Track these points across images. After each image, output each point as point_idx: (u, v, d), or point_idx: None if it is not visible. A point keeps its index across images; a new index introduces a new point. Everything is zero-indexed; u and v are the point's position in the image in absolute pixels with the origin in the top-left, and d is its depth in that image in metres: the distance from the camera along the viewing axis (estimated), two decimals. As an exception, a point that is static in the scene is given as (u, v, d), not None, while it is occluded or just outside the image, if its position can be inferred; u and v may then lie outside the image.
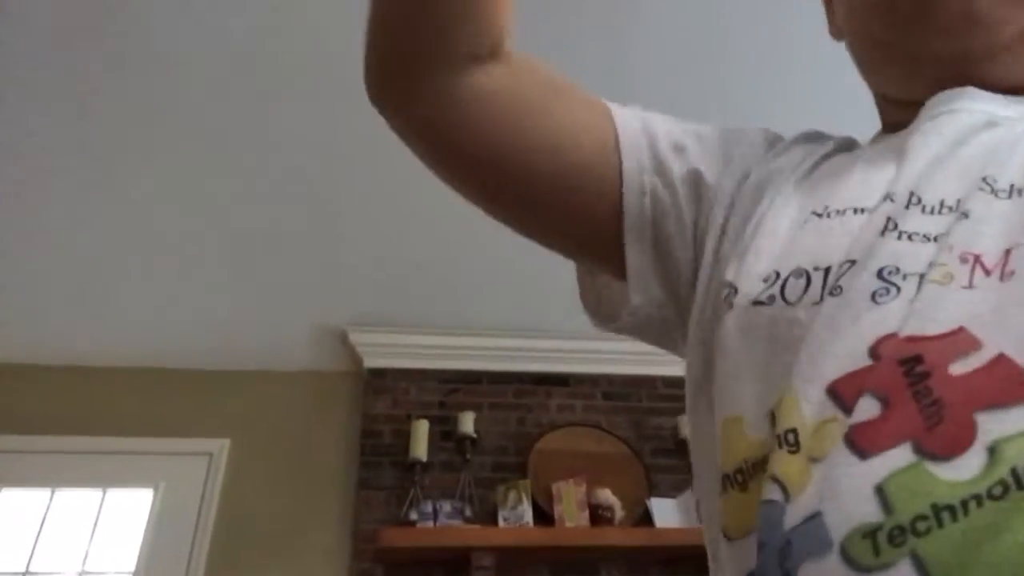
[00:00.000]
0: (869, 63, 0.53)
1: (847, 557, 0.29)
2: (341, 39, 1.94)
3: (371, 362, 3.06)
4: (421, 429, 2.83)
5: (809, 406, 0.34)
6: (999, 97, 0.45)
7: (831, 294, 0.37)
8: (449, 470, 2.85)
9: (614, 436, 2.96)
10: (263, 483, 2.93)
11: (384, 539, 2.58)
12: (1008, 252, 0.34)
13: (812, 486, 0.32)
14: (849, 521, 0.30)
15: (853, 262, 0.38)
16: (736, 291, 0.43)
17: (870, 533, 0.29)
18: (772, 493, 0.34)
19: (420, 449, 2.79)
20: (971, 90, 0.45)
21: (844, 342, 0.35)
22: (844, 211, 0.42)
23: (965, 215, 0.36)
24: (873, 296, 0.35)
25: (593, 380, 3.05)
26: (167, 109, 2.10)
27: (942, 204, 0.38)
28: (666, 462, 2.92)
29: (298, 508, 2.90)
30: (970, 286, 0.34)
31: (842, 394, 0.34)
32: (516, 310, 2.95)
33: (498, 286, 2.83)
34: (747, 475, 0.38)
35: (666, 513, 2.72)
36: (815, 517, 0.31)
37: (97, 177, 2.31)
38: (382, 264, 2.74)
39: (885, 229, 0.38)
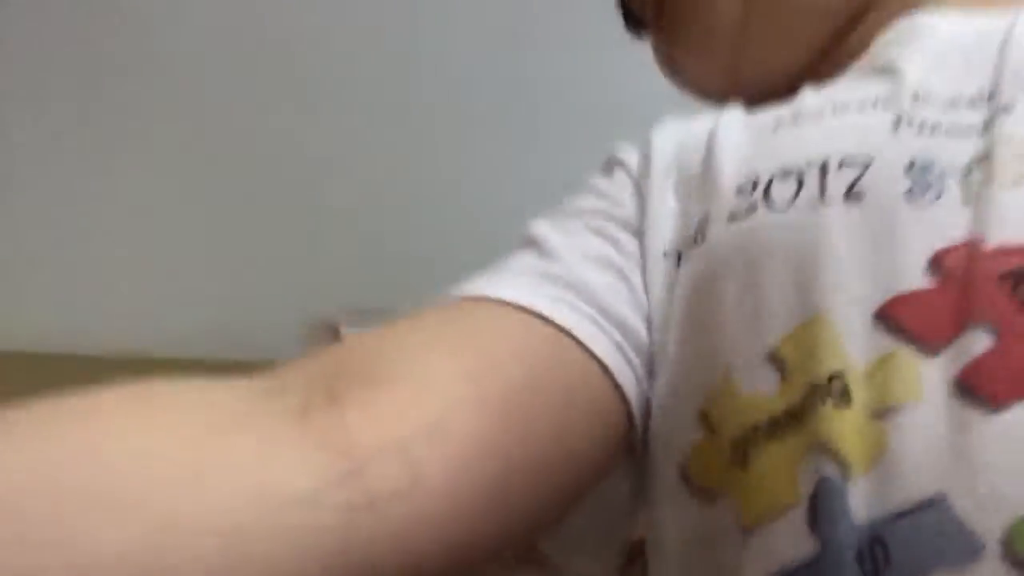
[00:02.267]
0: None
1: (1016, 559, 0.20)
2: (336, 43, 1.94)
3: (363, 357, 3.02)
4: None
5: (854, 339, 0.25)
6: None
7: (846, 199, 0.28)
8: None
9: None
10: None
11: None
12: None
13: (889, 455, 0.23)
14: (1004, 506, 0.21)
15: (869, 163, 0.28)
16: (707, 217, 0.32)
17: None
18: (820, 466, 0.24)
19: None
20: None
21: (886, 255, 0.26)
22: (822, 112, 0.33)
23: (1006, 109, 0.28)
24: (909, 197, 0.27)
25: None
26: (163, 104, 2.11)
27: (960, 95, 0.30)
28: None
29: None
30: None
31: (905, 322, 0.25)
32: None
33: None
34: (747, 445, 0.27)
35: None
36: (934, 504, 0.22)
37: (88, 168, 2.31)
38: (378, 255, 2.71)
39: (897, 126, 0.29)
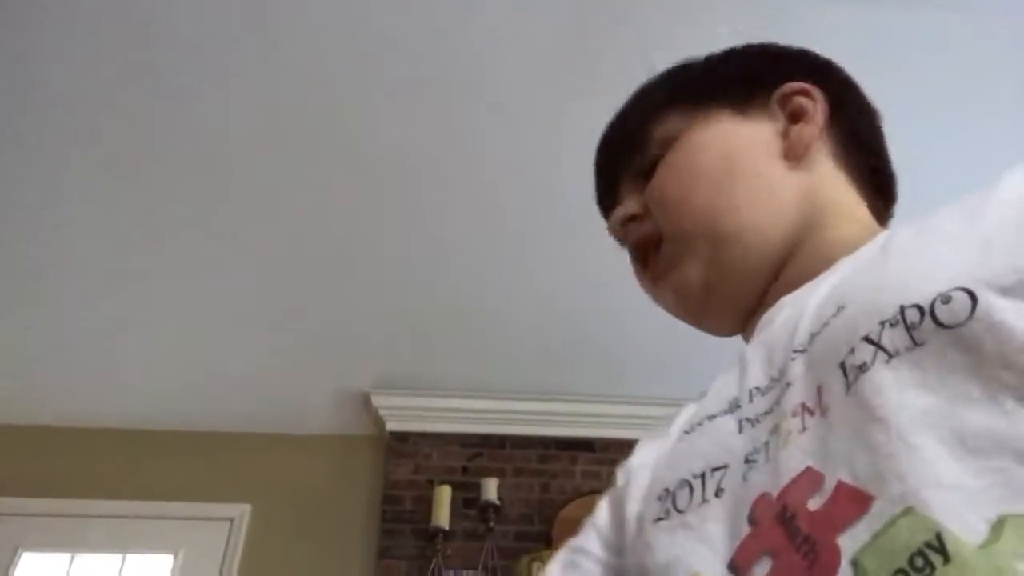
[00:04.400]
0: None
1: None
2: (363, 115, 2.01)
3: (393, 425, 3.03)
4: (443, 495, 2.78)
5: None
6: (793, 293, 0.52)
7: (716, 496, 0.42)
8: (472, 539, 2.77)
9: (641, 504, 2.88)
10: (283, 550, 2.88)
11: (404, 611, 2.50)
12: (819, 389, 0.38)
13: None
14: None
15: (726, 465, 0.43)
16: (643, 516, 0.49)
17: None
18: None
19: (442, 516, 2.73)
20: (781, 301, 0.52)
21: (733, 523, 0.40)
22: (701, 422, 0.49)
23: (789, 384, 0.41)
24: (744, 477, 0.41)
25: (619, 445, 2.98)
26: (192, 175, 2.16)
27: (770, 379, 0.44)
28: (696, 532, 2.82)
29: (318, 576, 2.84)
30: (804, 429, 0.38)
31: (739, 565, 0.37)
32: (540, 373, 2.92)
33: (522, 349, 2.81)
34: None
35: (697, 586, 2.61)
36: None
37: (120, 240, 2.36)
38: (405, 327, 2.74)
39: (740, 429, 0.44)
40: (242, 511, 2.96)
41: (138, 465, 3.02)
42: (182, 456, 3.05)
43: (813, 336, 0.42)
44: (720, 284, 0.55)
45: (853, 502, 0.33)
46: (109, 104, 1.95)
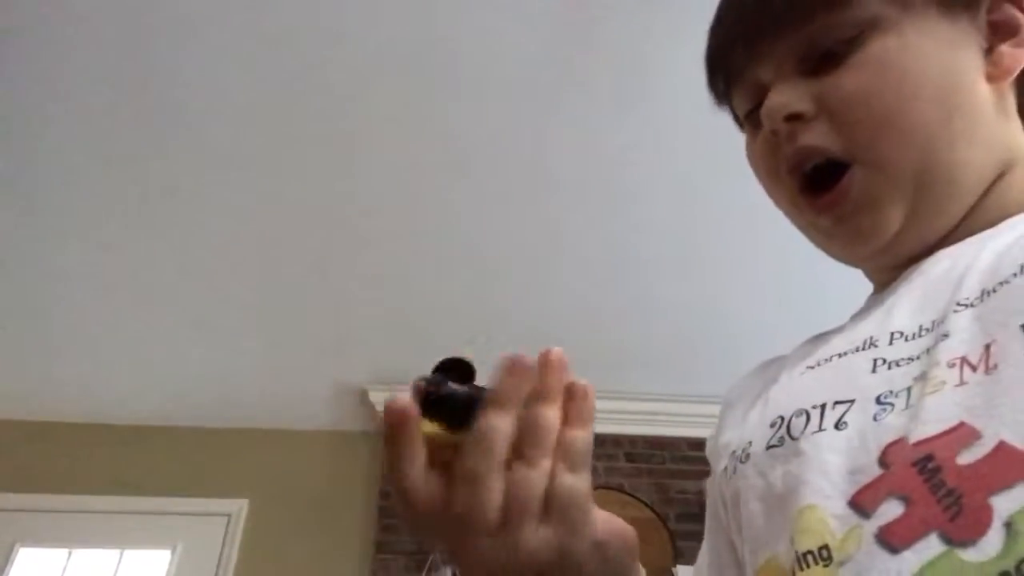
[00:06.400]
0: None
1: None
2: (362, 112, 2.02)
3: (391, 421, 3.03)
4: (441, 490, 2.78)
5: (835, 520, 0.37)
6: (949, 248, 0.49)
7: (836, 428, 0.41)
8: (469, 533, 2.78)
9: (637, 500, 2.89)
10: (281, 545, 2.88)
11: (402, 605, 2.51)
12: (988, 347, 0.37)
13: None
14: None
15: (852, 401, 0.41)
16: (751, 443, 0.47)
17: None
18: None
19: (439, 511, 2.73)
20: (937, 254, 0.48)
21: (856, 461, 0.38)
22: (831, 358, 0.47)
23: (946, 335, 0.39)
24: (875, 417, 0.39)
25: (615, 441, 3.00)
26: (190, 172, 2.16)
27: (920, 328, 0.42)
28: (692, 527, 2.83)
29: (316, 572, 2.84)
30: (961, 383, 0.36)
31: (863, 504, 0.36)
32: (537, 369, 2.92)
33: (516, 343, 2.81)
34: None
35: (693, 581, 2.62)
36: None
37: (120, 237, 2.36)
38: (402, 322, 2.75)
39: (874, 369, 0.42)
40: (240, 506, 2.96)
41: (135, 460, 3.02)
42: (180, 451, 3.05)
43: (986, 292, 0.40)
44: (914, 229, 0.48)
45: (1015, 464, 0.32)
46: (107, 102, 1.94)
